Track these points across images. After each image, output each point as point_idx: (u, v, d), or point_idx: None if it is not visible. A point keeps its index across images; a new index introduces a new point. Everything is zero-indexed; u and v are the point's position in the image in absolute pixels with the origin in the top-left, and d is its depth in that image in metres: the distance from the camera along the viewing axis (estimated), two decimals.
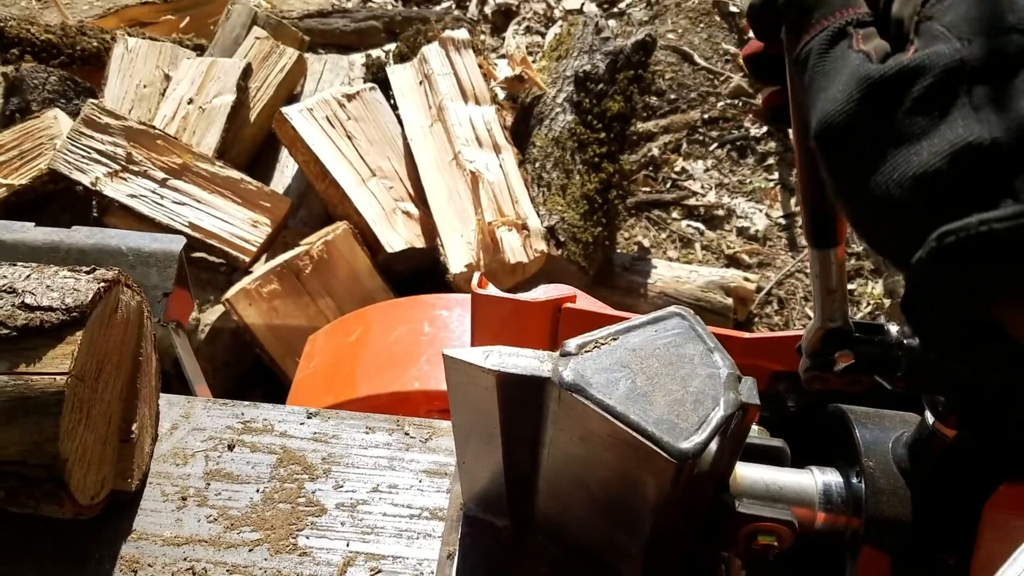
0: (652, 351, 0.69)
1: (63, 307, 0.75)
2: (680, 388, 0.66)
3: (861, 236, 0.52)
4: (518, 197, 2.37)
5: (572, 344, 0.69)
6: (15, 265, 0.81)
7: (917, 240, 0.44)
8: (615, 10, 4.46)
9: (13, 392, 0.72)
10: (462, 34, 2.70)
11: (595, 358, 0.68)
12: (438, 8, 4.74)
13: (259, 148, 2.75)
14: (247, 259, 2.22)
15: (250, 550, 0.86)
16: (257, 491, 0.90)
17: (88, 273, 0.80)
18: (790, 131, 0.66)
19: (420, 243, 2.40)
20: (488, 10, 4.77)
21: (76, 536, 0.86)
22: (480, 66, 2.65)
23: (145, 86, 2.68)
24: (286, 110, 2.39)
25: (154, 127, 2.31)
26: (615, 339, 0.70)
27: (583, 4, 4.62)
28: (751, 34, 0.66)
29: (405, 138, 2.58)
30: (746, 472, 0.79)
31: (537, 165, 2.53)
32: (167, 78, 2.70)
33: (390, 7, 4.74)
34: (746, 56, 0.67)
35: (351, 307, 2.20)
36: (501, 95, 2.81)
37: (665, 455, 0.62)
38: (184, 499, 0.89)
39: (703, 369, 0.68)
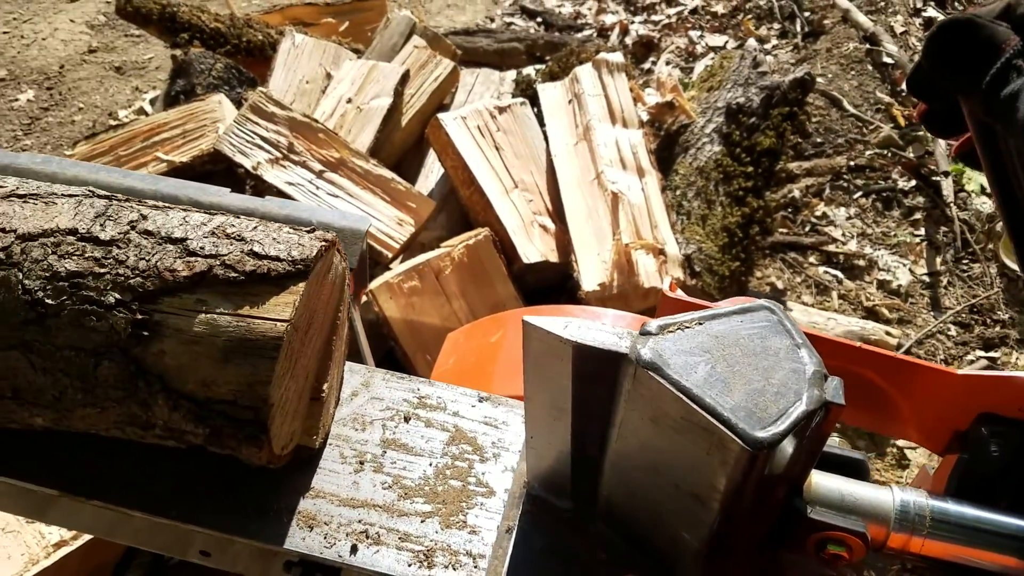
0: (736, 340, 0.67)
1: (288, 258, 0.78)
2: (761, 379, 0.64)
3: None
4: (658, 222, 2.36)
5: (654, 324, 0.68)
6: (240, 217, 0.85)
7: None
8: (763, 49, 4.41)
9: (235, 333, 0.75)
10: (617, 57, 2.71)
11: (676, 340, 0.67)
12: (579, 36, 4.79)
13: (406, 152, 2.82)
14: (389, 255, 2.27)
15: (422, 521, 0.87)
16: (430, 465, 0.92)
17: (309, 232, 0.83)
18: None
19: (554, 257, 2.41)
20: (629, 41, 4.79)
21: (256, 488, 0.89)
22: (631, 90, 2.66)
23: (308, 82, 2.80)
24: (441, 116, 2.45)
25: (316, 120, 2.41)
26: (700, 324, 0.68)
27: (726, 42, 4.59)
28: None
29: (549, 154, 2.61)
30: (822, 480, 0.76)
31: (678, 193, 2.51)
32: (329, 76, 2.82)
33: (532, 31, 4.82)
34: (920, 116, 0.67)
35: (483, 312, 2.22)
36: (644, 119, 2.80)
37: (739, 442, 0.60)
38: (361, 463, 0.91)
39: (788, 363, 0.65)
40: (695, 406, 0.62)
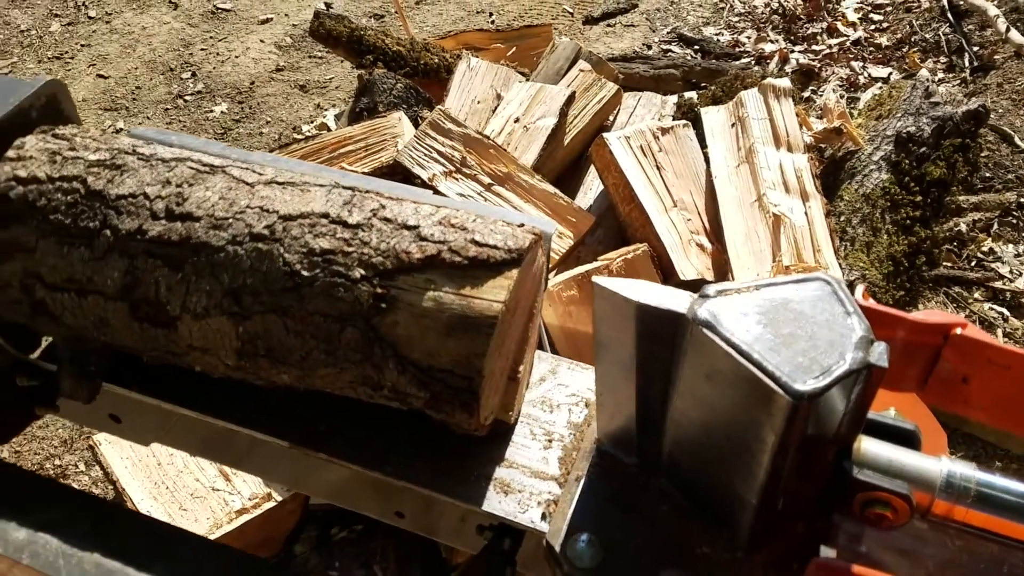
0: (788, 305, 0.71)
1: (505, 247, 0.88)
2: (809, 340, 0.68)
3: None
4: (821, 246, 2.35)
5: (712, 288, 0.73)
6: (459, 209, 0.96)
7: None
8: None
9: (457, 310, 0.85)
10: (784, 83, 2.72)
11: (731, 302, 0.72)
12: (737, 64, 4.77)
13: (566, 169, 2.93)
14: (550, 265, 2.37)
15: None
16: None
17: (520, 226, 0.93)
18: None
19: (710, 276, 2.44)
20: (788, 69, 4.74)
21: (458, 454, 0.99)
22: (797, 115, 2.66)
23: (479, 102, 2.96)
24: (606, 136, 2.55)
25: (488, 137, 2.55)
26: (756, 289, 0.73)
27: (890, 73, 4.46)
28: None
29: (709, 176, 2.64)
30: (871, 446, 0.79)
31: (842, 219, 2.49)
32: (498, 97, 2.97)
33: (689, 58, 4.84)
34: None
35: None
36: (808, 144, 2.79)
37: (783, 393, 0.64)
38: (550, 441, 1.00)
39: (837, 328, 0.69)
40: (744, 361, 0.67)
